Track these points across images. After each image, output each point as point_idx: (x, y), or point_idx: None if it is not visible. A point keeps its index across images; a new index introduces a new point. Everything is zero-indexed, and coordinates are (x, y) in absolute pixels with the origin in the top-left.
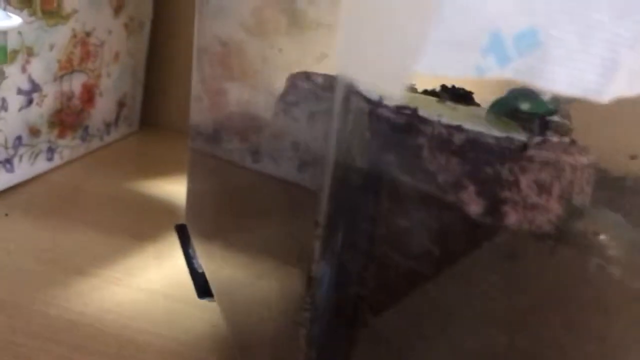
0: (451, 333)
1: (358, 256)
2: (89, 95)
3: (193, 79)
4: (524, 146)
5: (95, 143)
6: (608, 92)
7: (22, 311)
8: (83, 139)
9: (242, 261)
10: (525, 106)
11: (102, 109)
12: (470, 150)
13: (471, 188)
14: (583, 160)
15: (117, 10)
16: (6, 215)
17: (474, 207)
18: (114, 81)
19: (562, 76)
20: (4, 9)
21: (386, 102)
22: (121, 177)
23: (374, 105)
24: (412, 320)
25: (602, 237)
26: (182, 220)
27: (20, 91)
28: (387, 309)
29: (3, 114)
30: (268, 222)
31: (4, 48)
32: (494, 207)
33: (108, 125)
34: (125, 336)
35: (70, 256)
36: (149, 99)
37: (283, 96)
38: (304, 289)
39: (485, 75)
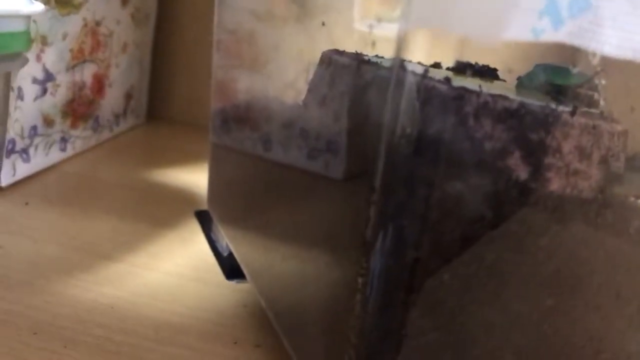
0: (502, 296)
1: (412, 221)
2: (99, 85)
3: (214, 65)
4: (574, 111)
5: (105, 134)
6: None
7: (57, 296)
8: (94, 130)
9: (280, 241)
10: (555, 79)
11: (111, 99)
12: (515, 117)
13: (517, 154)
14: (618, 127)
15: (124, 0)
16: (26, 204)
17: (520, 172)
18: (122, 72)
19: (612, 38)
20: None
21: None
22: (133, 167)
23: (422, 77)
24: (465, 284)
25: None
26: (199, 207)
27: (35, 80)
28: (441, 274)
29: (19, 103)
30: (307, 201)
31: (28, 34)
32: (539, 172)
33: (117, 117)
34: (161, 319)
35: (94, 243)
36: (156, 92)
37: (320, 70)
38: (359, 254)
39: (540, 37)
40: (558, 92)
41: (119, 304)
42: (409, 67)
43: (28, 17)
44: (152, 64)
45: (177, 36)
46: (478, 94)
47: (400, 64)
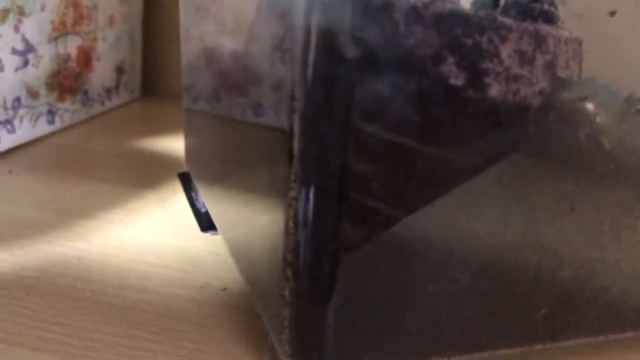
0: (436, 205)
1: (337, 128)
2: (85, 58)
3: (181, 38)
4: (496, 3)
5: (97, 108)
6: None
7: (26, 250)
8: (83, 104)
9: (235, 189)
10: None
11: (101, 73)
12: (446, 22)
13: (450, 60)
14: (564, 33)
15: None
16: (9, 172)
17: (454, 79)
18: (110, 46)
19: None
20: None
21: None
22: (123, 138)
23: None
24: (395, 193)
25: (588, 103)
26: (183, 170)
27: (14, 51)
28: (369, 181)
29: (0, 74)
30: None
31: None
32: (476, 78)
33: (108, 91)
34: (129, 268)
35: (72, 204)
36: (150, 67)
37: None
38: (288, 170)
39: None
40: (514, 6)
41: (87, 256)
42: None
43: None
44: (144, 39)
45: (169, 9)
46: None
47: None
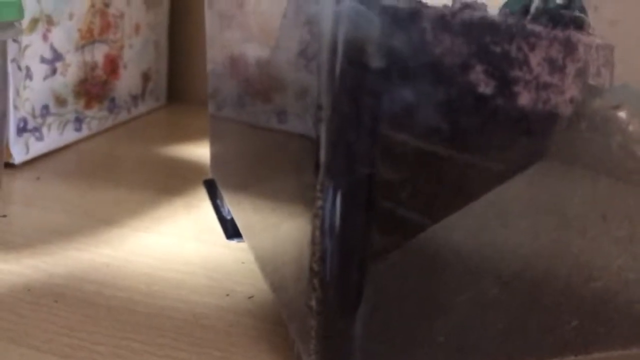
0: (464, 214)
1: (360, 136)
2: (112, 66)
3: (207, 44)
4: (526, 11)
5: (123, 115)
6: None
7: (55, 257)
8: (110, 111)
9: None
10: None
11: (127, 81)
12: (474, 29)
13: (479, 68)
14: (595, 40)
15: None
16: (38, 179)
17: (483, 87)
18: (136, 53)
19: None
20: None
21: None
22: (150, 145)
23: None
24: (424, 200)
25: (621, 112)
26: (209, 177)
27: (43, 60)
28: (398, 191)
29: (28, 82)
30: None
31: (18, 3)
32: (505, 87)
33: (135, 98)
34: (155, 275)
35: (99, 210)
36: (176, 74)
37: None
38: (314, 179)
39: None
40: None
41: (114, 262)
42: None
43: None
44: (170, 46)
45: (195, 16)
46: (435, 8)
47: None
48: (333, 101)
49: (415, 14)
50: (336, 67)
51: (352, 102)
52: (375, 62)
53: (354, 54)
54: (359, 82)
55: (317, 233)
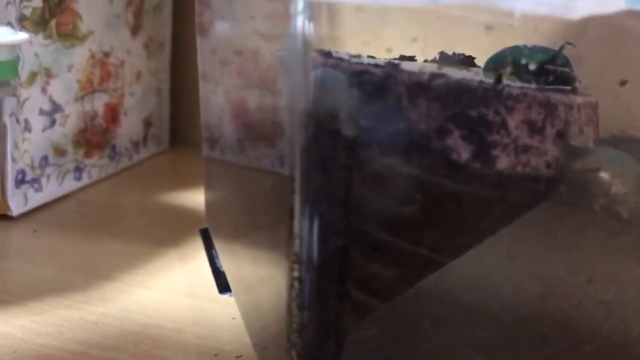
0: (442, 283)
1: (333, 207)
2: (112, 114)
3: (200, 83)
4: (498, 78)
5: (124, 162)
6: (576, 8)
7: (44, 315)
8: (111, 158)
9: (245, 247)
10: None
11: (128, 128)
12: (451, 94)
13: (456, 133)
14: (577, 99)
15: (135, 31)
16: (34, 231)
17: (461, 152)
18: (138, 100)
19: None
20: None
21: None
22: (150, 192)
23: (344, 61)
24: (400, 273)
25: (602, 173)
26: (205, 225)
27: (42, 112)
28: (372, 263)
29: (27, 134)
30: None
31: (14, 62)
32: (483, 151)
33: (136, 144)
34: (144, 333)
35: (93, 264)
36: (179, 117)
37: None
38: (291, 247)
39: None
40: (527, 72)
41: (104, 320)
42: (317, 52)
43: (13, 47)
44: (173, 90)
45: (196, 63)
46: (411, 73)
47: (313, 50)
48: (303, 173)
49: (390, 78)
50: (306, 139)
51: (323, 174)
52: (347, 130)
53: (325, 124)
54: (330, 153)
55: (293, 305)
